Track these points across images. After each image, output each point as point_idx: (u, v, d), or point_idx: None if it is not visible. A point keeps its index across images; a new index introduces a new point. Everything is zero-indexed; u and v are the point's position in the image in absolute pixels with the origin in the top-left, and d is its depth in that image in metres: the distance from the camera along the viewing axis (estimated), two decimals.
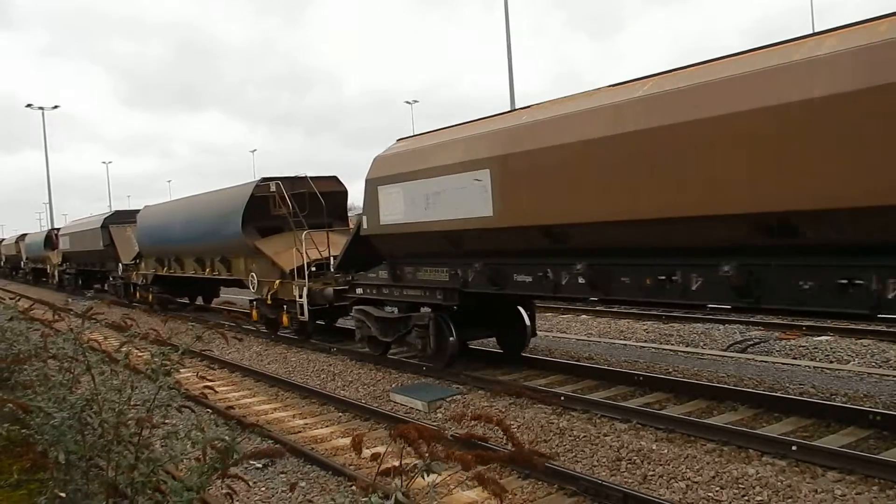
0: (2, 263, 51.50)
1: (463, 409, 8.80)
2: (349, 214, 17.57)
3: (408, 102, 69.29)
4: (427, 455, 1.97)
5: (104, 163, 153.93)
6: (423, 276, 10.29)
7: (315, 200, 15.17)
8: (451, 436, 2.17)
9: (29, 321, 6.66)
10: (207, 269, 17.94)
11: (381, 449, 2.14)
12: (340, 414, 9.29)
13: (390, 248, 10.87)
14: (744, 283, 6.33)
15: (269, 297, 14.61)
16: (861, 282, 5.56)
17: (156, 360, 3.23)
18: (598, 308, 14.96)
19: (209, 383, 3.72)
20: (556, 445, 7.27)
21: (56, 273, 34.23)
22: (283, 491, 6.66)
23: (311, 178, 15.52)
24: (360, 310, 11.73)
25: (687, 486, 5.98)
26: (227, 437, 2.73)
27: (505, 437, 2.15)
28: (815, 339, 11.32)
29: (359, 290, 11.83)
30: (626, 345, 12.11)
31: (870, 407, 7.50)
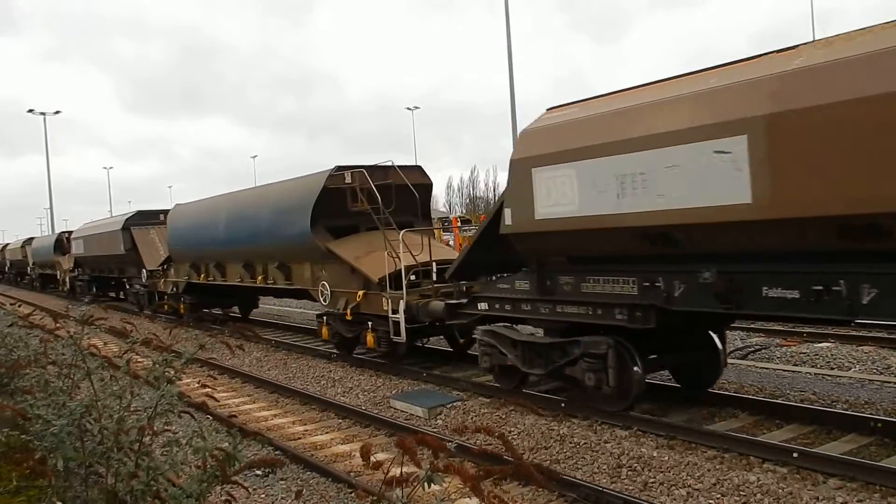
0: (6, 269, 50.20)
1: (463, 417, 8.79)
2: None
3: (409, 109, 69.53)
4: (429, 468, 1.96)
5: (105, 168, 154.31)
6: (591, 289, 7.83)
7: (400, 194, 12.64)
8: (454, 447, 2.16)
9: (29, 327, 6.65)
10: (259, 278, 15.21)
11: (382, 456, 2.13)
12: (340, 420, 9.27)
13: (543, 249, 8.31)
14: None
15: (348, 311, 11.92)
16: None
17: (157, 367, 3.22)
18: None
19: (209, 390, 3.72)
20: (557, 452, 7.26)
21: (67, 279, 32.25)
22: (282, 498, 6.66)
23: (384, 168, 12.77)
24: (489, 331, 9.16)
25: (688, 493, 5.96)
26: (228, 445, 2.72)
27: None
28: (815, 345, 11.30)
29: (482, 306, 9.35)
30: None
31: (871, 414, 7.50)
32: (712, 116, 6.35)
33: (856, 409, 7.86)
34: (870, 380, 9.14)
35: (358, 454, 7.32)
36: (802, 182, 5.74)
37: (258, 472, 7.08)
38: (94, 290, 29.06)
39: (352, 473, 7.02)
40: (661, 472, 6.38)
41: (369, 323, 11.56)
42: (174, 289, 19.85)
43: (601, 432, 7.59)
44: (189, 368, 3.32)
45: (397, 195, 12.49)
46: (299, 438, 8.54)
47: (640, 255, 7.29)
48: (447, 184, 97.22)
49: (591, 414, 8.07)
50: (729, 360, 10.67)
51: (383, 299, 11.02)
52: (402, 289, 10.73)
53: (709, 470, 6.24)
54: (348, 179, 12.06)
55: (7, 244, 54.57)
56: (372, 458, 2.24)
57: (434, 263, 10.99)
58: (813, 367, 10.22)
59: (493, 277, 9.81)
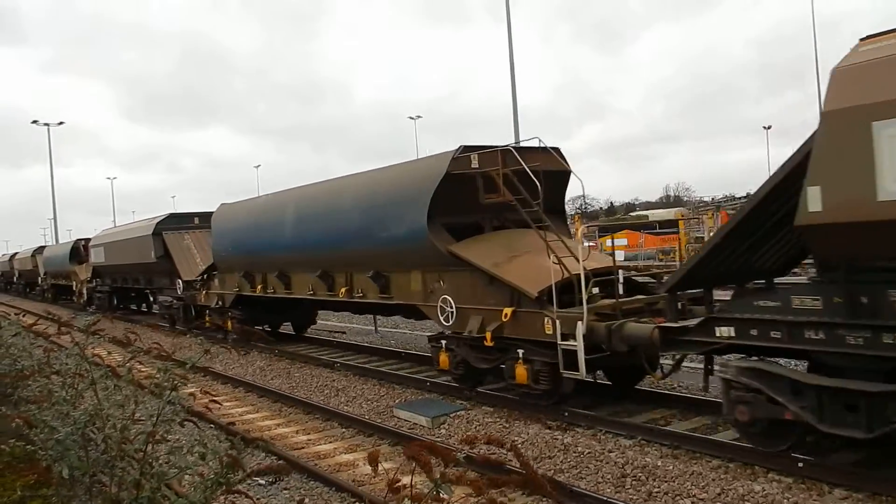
0: (15, 279, 48.51)
1: (467, 426, 8.77)
2: None
3: (411, 118, 69.91)
4: (439, 478, 1.96)
5: (108, 178, 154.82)
6: None
7: (547, 182, 9.21)
8: (463, 457, 2.15)
9: (33, 336, 6.66)
10: (342, 290, 12.40)
11: (387, 465, 2.13)
12: (344, 430, 9.25)
13: (878, 248, 5.54)
14: None
15: (488, 334, 9.13)
16: None
17: (159, 375, 3.23)
18: None
19: (213, 398, 3.70)
20: (561, 461, 7.23)
21: (84, 290, 29.84)
22: None
23: (525, 149, 9.77)
24: (756, 370, 6.44)
25: (692, 503, 5.95)
26: (233, 454, 2.73)
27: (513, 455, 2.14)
28: None
29: (723, 331, 6.62)
30: None
31: None
32: None
33: None
34: None
35: (361, 463, 7.25)
36: None
37: (261, 482, 7.07)
38: (115, 301, 27.07)
39: (354, 482, 7.02)
40: (666, 481, 6.36)
41: (519, 351, 8.86)
42: (219, 302, 17.28)
43: (605, 442, 7.57)
44: (191, 378, 3.33)
45: (545, 184, 9.06)
46: (303, 448, 8.53)
47: None
48: None
49: None
50: None
51: (546, 319, 8.44)
52: (574, 305, 8.24)
53: (713, 479, 6.21)
54: (475, 164, 9.65)
55: (16, 253, 52.34)
56: (379, 466, 2.24)
57: (620, 271, 8.71)
58: None
59: (740, 289, 7.24)
